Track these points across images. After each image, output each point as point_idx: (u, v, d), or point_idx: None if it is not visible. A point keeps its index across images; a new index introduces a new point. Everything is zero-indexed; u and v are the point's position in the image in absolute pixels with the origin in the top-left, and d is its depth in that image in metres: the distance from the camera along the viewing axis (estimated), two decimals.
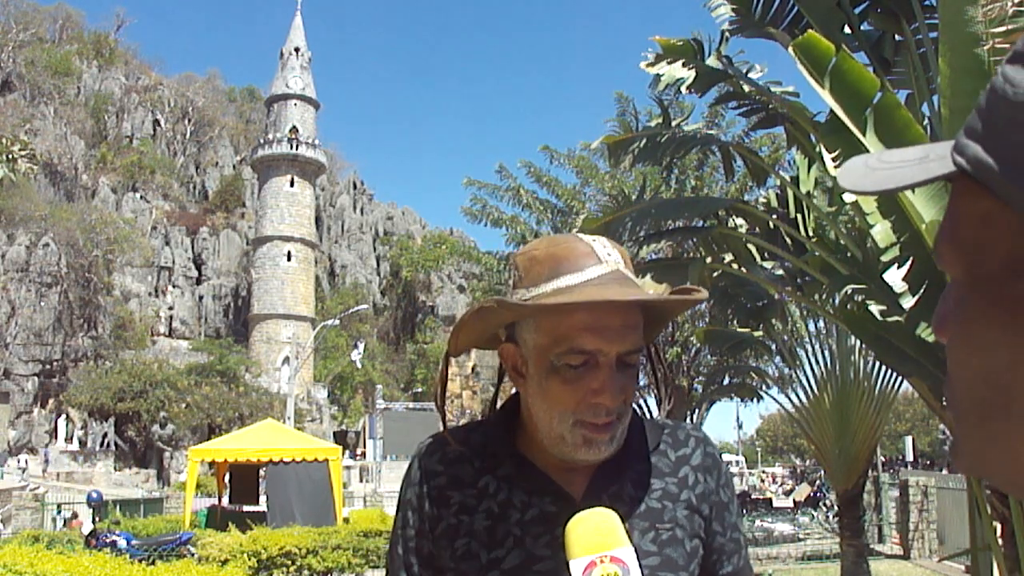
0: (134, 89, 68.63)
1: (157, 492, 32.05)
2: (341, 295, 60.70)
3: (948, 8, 3.38)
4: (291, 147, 54.86)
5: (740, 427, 57.32)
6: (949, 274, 0.46)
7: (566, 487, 1.10)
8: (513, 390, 1.17)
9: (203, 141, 70.96)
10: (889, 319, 4.15)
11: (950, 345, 0.46)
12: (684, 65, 5.07)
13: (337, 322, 39.44)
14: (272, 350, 52.09)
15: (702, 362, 15.41)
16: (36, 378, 43.82)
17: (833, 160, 3.87)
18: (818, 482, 23.80)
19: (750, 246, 6.13)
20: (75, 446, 41.80)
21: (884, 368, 6.84)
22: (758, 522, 17.03)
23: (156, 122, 68.53)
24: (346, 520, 14.48)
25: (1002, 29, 3.27)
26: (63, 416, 42.82)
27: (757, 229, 6.55)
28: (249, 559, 10.35)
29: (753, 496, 26.27)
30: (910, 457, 41.62)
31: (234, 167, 69.35)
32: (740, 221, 6.71)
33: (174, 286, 57.12)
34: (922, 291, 3.83)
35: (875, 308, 4.30)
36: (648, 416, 1.20)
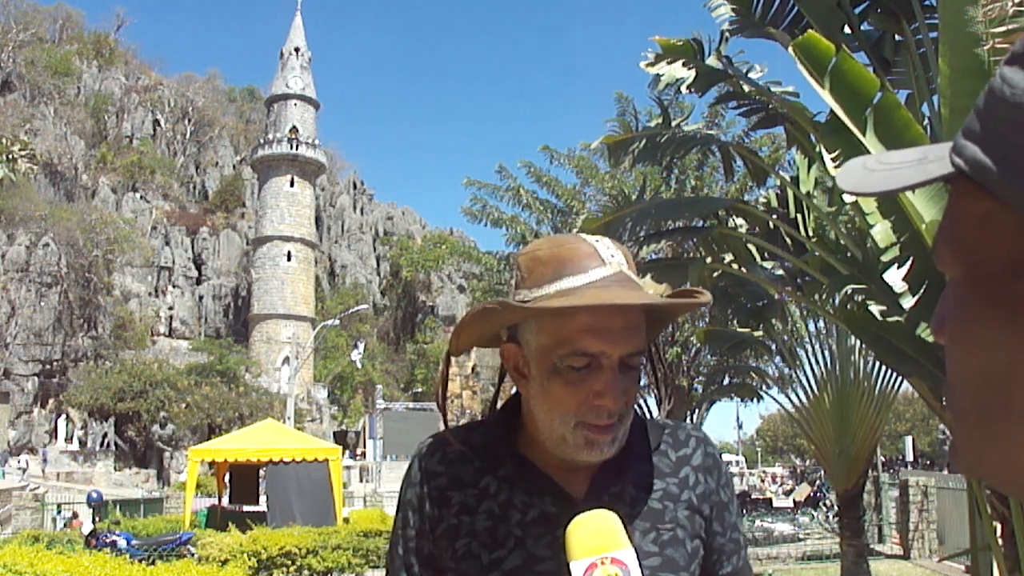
0: (134, 89, 68.64)
1: (157, 492, 32.05)
2: (341, 295, 60.71)
3: (948, 8, 3.39)
4: (291, 147, 54.87)
5: (740, 427, 57.39)
6: (948, 275, 0.46)
7: (567, 488, 1.10)
8: (513, 390, 1.17)
9: (203, 141, 70.97)
10: (889, 319, 4.15)
11: (949, 346, 0.46)
12: (684, 65, 5.07)
13: (337, 322, 39.44)
14: (272, 350, 52.09)
15: (702, 362, 15.41)
16: (36, 378, 43.83)
17: (833, 160, 3.87)
18: (818, 482, 23.79)
19: (750, 246, 6.13)
20: (75, 446, 41.80)
21: (884, 368, 6.84)
22: (758, 522, 17.02)
23: (156, 122, 68.54)
24: (346, 520, 14.48)
25: (1002, 29, 3.27)
26: (63, 416, 42.83)
27: (757, 229, 6.55)
28: (249, 559, 10.35)
29: (753, 496, 26.26)
30: (910, 457, 41.62)
31: (234, 167, 69.36)
32: (740, 221, 6.70)
33: (174, 286, 57.13)
34: (922, 291, 3.83)
35: (875, 308, 4.30)
36: (648, 416, 1.20)
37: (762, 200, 7.82)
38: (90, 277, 46.67)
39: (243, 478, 17.10)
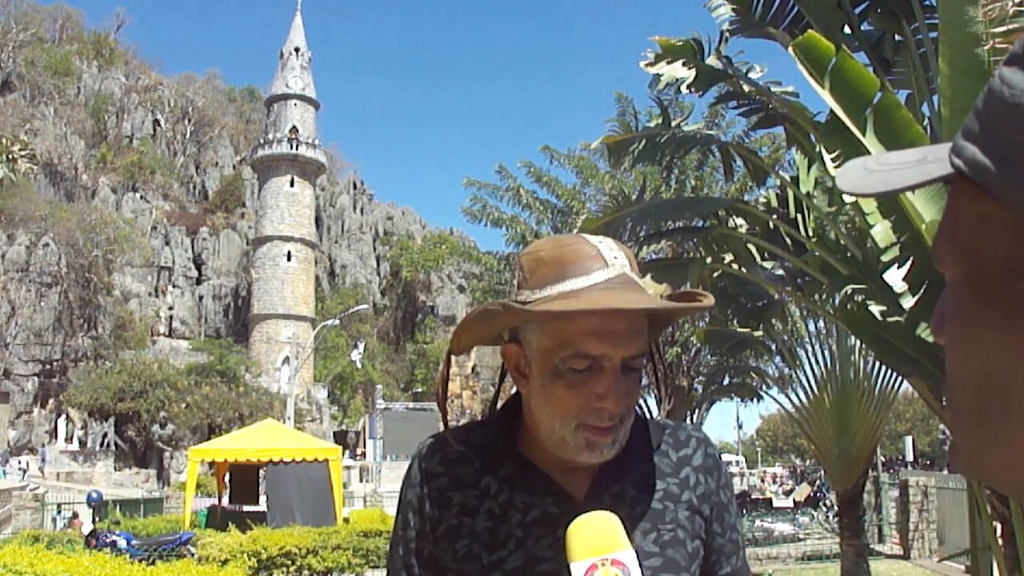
0: (134, 89, 68.63)
1: (157, 492, 32.04)
2: (341, 295, 60.70)
3: (948, 8, 3.38)
4: (291, 147, 54.86)
5: (740, 427, 57.40)
6: (948, 275, 0.46)
7: (568, 488, 1.10)
8: (513, 389, 1.17)
9: (203, 141, 70.95)
10: (889, 319, 4.15)
11: (949, 346, 0.46)
12: (684, 65, 5.07)
13: (337, 322, 39.44)
14: (272, 350, 52.09)
15: (702, 362, 15.41)
16: (36, 378, 43.84)
17: (833, 160, 3.87)
18: (818, 482, 23.77)
19: (750, 246, 6.12)
20: (75, 446, 41.79)
21: (884, 368, 6.84)
22: (758, 522, 17.01)
23: (156, 122, 68.53)
24: (346, 520, 14.48)
25: (1002, 29, 3.27)
26: (63, 416, 42.82)
27: (757, 229, 6.55)
28: (249, 559, 10.35)
29: (753, 496, 26.25)
30: (910, 457, 41.61)
31: (234, 167, 69.35)
32: (740, 221, 6.70)
33: (174, 286, 57.12)
34: (922, 291, 3.83)
35: (875, 308, 4.30)
36: (649, 416, 1.20)
37: (762, 200, 7.82)
38: (90, 277, 46.67)
39: (243, 478, 17.10)
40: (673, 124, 6.05)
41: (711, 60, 5.10)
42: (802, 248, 5.80)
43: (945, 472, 20.92)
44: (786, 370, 9.09)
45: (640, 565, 0.99)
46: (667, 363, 1.22)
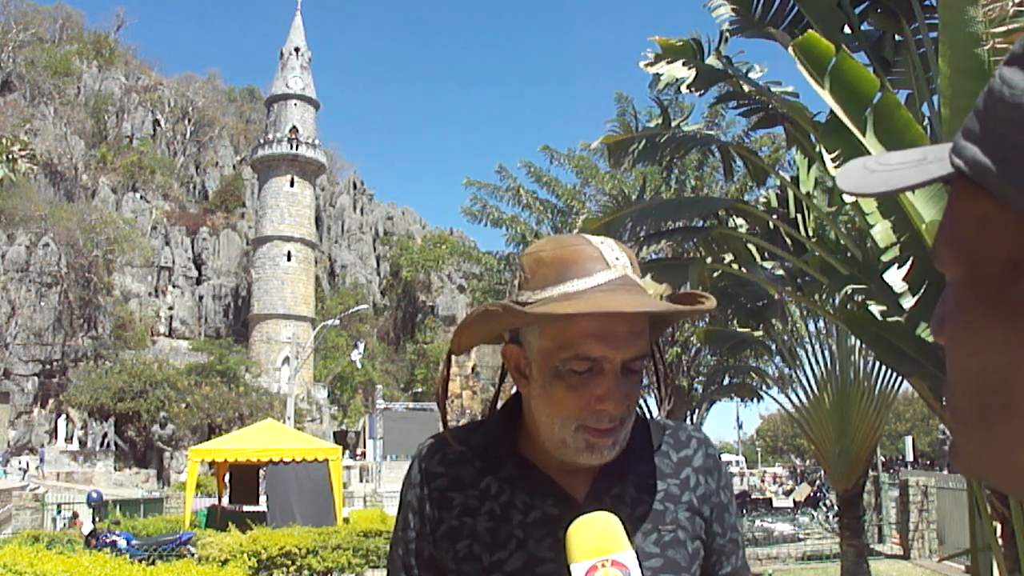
0: (134, 89, 68.63)
1: (157, 492, 32.03)
2: (341, 295, 60.69)
3: (948, 8, 3.38)
4: (291, 147, 54.86)
5: (740, 427, 57.42)
6: (948, 275, 0.46)
7: (568, 489, 1.10)
8: (513, 389, 1.17)
9: (203, 141, 70.96)
10: (889, 319, 4.15)
11: (949, 346, 0.46)
12: (684, 65, 5.07)
13: (337, 322, 39.44)
14: (272, 350, 52.09)
15: (702, 362, 15.41)
16: (36, 378, 43.83)
17: (833, 160, 3.87)
18: (818, 482, 23.77)
19: (750, 246, 6.12)
20: (75, 446, 41.78)
21: (884, 368, 6.83)
22: (758, 522, 17.01)
23: (156, 122, 68.53)
24: (346, 520, 14.48)
25: (1002, 29, 3.27)
26: (63, 416, 42.82)
27: (757, 229, 6.55)
28: (249, 559, 10.35)
29: (753, 496, 26.24)
30: (910, 457, 41.59)
31: (234, 167, 69.35)
32: (740, 221, 6.70)
33: (174, 286, 57.12)
34: (922, 291, 3.83)
35: (875, 308, 4.30)
36: (649, 416, 1.20)
37: (762, 200, 7.82)
38: (90, 277, 46.67)
39: (243, 478, 17.10)
40: (673, 124, 6.05)
41: (711, 60, 5.10)
42: (802, 248, 5.80)
43: (945, 472, 20.93)
44: (786, 370, 9.09)
45: (640, 566, 0.99)
46: (667, 363, 1.22)
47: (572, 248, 1.05)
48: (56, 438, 42.11)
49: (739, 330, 7.77)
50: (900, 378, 6.53)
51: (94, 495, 15.55)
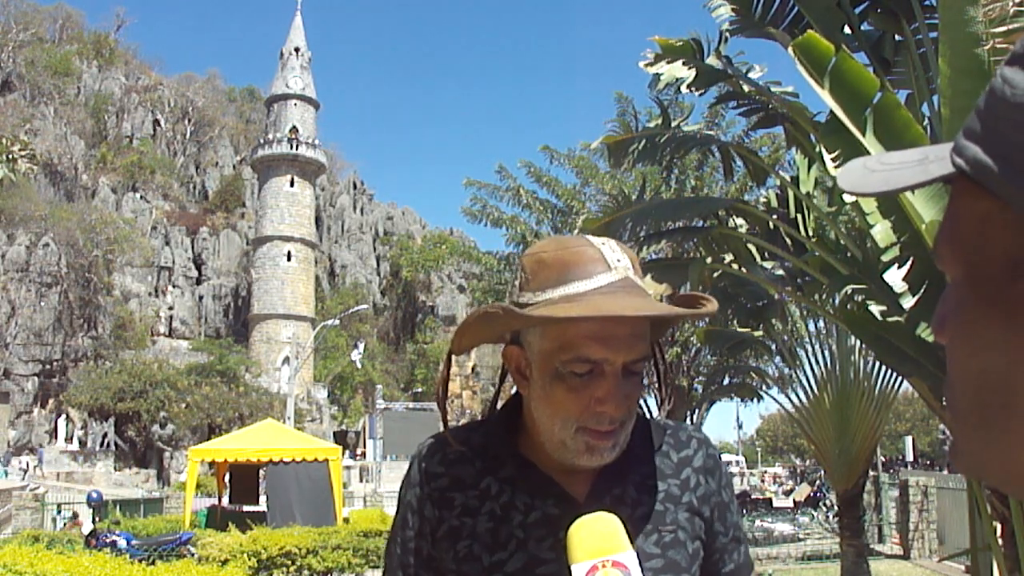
0: (134, 89, 68.63)
1: (157, 492, 32.03)
2: (341, 295, 60.70)
3: (948, 8, 3.38)
4: (291, 147, 54.87)
5: (740, 427, 57.42)
6: (949, 275, 0.46)
7: (569, 489, 1.10)
8: (514, 390, 1.17)
9: (203, 141, 70.96)
10: (889, 319, 4.15)
11: (950, 346, 0.46)
12: (684, 65, 5.06)
13: (337, 322, 39.44)
14: (272, 350, 52.09)
15: (702, 362, 15.41)
16: (36, 378, 43.84)
17: (833, 160, 3.87)
18: (818, 482, 23.78)
19: (750, 246, 6.12)
20: (75, 446, 41.78)
21: (884, 368, 6.83)
22: (758, 522, 17.01)
23: (156, 122, 68.53)
24: (346, 520, 14.48)
25: (1002, 29, 3.26)
26: (63, 416, 42.82)
27: (757, 229, 6.55)
28: (249, 559, 10.35)
29: (753, 496, 26.26)
30: (910, 457, 41.59)
31: (234, 167, 69.35)
32: (740, 221, 6.70)
33: (174, 286, 57.12)
34: (922, 291, 3.83)
35: (875, 308, 4.29)
36: (650, 416, 1.20)
37: (762, 200, 7.82)
38: (90, 277, 46.67)
39: (243, 478, 17.10)
40: (673, 124, 6.05)
41: (711, 60, 5.10)
42: (802, 248, 5.80)
43: (945, 472, 20.92)
44: (786, 370, 9.09)
45: (641, 566, 0.99)
46: (667, 363, 1.22)
47: (573, 249, 1.05)
48: (56, 438, 42.12)
49: (739, 330, 7.77)
50: (900, 378, 6.54)
51: (94, 495, 15.56)
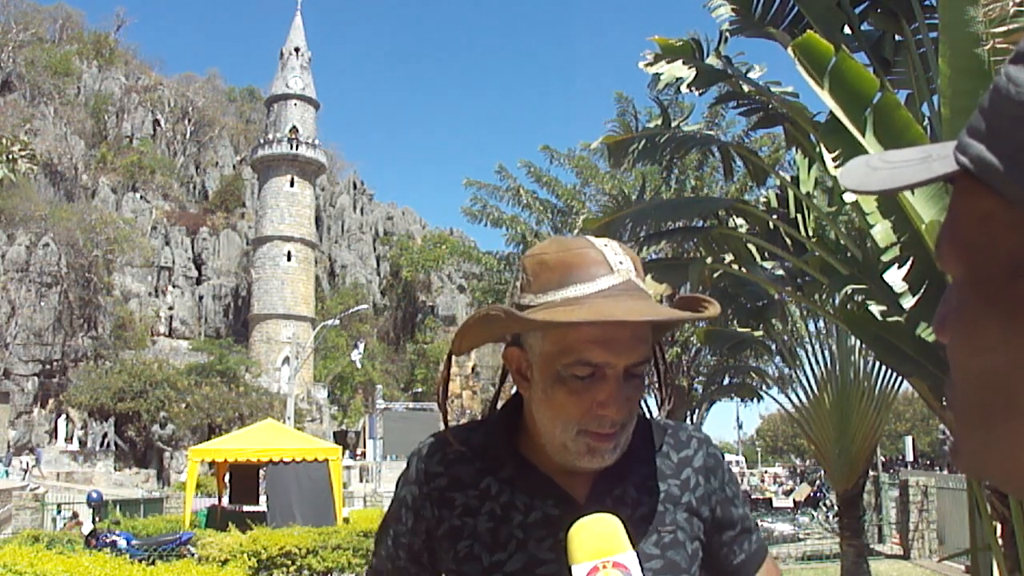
0: (134, 89, 68.63)
1: (157, 492, 32.03)
2: (341, 295, 60.70)
3: (948, 8, 3.38)
4: (291, 147, 54.87)
5: (740, 427, 57.38)
6: (950, 274, 0.46)
7: (569, 490, 1.10)
8: (514, 390, 1.17)
9: (203, 141, 70.96)
10: (889, 319, 4.15)
11: (951, 346, 0.46)
12: (684, 64, 5.06)
13: (337, 322, 39.44)
14: (272, 350, 52.09)
15: (702, 362, 15.42)
16: (36, 378, 43.84)
17: (833, 160, 3.86)
18: (818, 482, 23.79)
19: (750, 246, 6.12)
20: (75, 446, 41.79)
21: (884, 368, 6.83)
22: (758, 522, 17.00)
23: (156, 122, 68.53)
24: (346, 520, 14.47)
25: (1002, 29, 3.26)
26: (63, 416, 42.83)
27: (757, 229, 6.54)
28: (249, 559, 10.35)
29: (753, 496, 26.27)
30: (910, 457, 41.60)
31: (234, 167, 69.35)
32: (740, 221, 6.69)
33: (174, 286, 57.13)
34: (922, 291, 3.83)
35: (875, 308, 4.29)
36: (650, 416, 1.20)
37: (762, 200, 7.81)
38: (90, 277, 46.67)
39: (243, 478, 17.09)
40: (673, 124, 6.05)
41: (711, 60, 5.10)
42: (802, 248, 5.79)
43: (945, 472, 20.93)
44: (786, 370, 9.08)
45: (641, 567, 0.99)
46: (667, 363, 1.22)
47: (575, 251, 1.04)
48: (56, 438, 42.12)
49: (739, 330, 7.76)
50: (900, 378, 6.53)
51: (94, 495, 15.54)
